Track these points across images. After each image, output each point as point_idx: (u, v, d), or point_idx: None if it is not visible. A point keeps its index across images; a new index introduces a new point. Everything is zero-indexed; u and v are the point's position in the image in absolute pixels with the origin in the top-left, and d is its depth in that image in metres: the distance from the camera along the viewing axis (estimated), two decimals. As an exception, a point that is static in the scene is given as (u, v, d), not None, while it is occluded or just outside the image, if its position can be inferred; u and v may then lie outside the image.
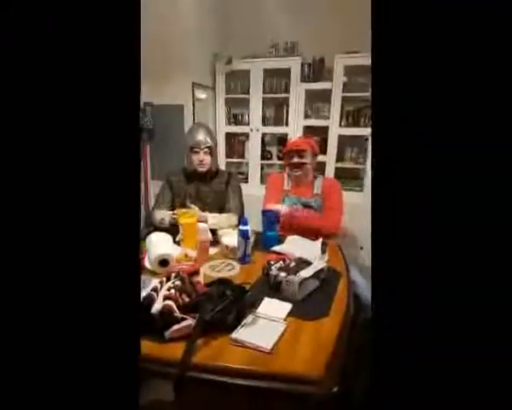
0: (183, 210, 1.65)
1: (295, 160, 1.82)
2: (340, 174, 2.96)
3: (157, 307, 0.83)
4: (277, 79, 3.08)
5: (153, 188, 2.91)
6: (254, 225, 1.46)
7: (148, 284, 1.02)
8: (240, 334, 0.84)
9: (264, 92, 3.08)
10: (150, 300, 0.86)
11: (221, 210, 1.85)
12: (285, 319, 0.93)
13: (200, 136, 1.78)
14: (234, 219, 1.76)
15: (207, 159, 1.80)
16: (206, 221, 1.65)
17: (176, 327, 0.82)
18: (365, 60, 2.54)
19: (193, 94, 2.81)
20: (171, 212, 1.74)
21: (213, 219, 1.70)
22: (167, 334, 0.82)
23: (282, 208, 1.72)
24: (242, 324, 0.88)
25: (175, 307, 0.84)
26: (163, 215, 1.76)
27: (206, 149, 1.78)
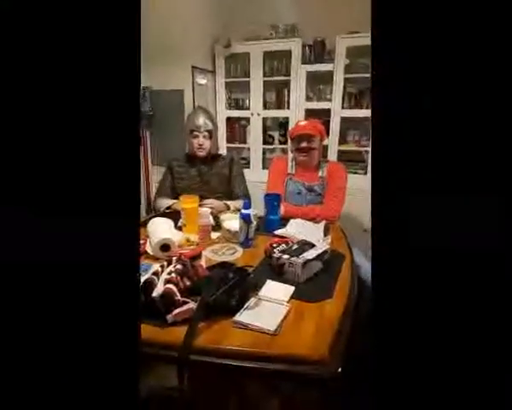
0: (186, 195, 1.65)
1: (304, 145, 1.77)
2: (344, 157, 2.92)
3: (158, 290, 0.83)
4: (278, 62, 3.02)
5: (154, 174, 2.89)
6: (257, 209, 1.45)
7: (150, 269, 1.01)
8: (243, 316, 0.83)
9: (264, 75, 3.02)
10: (151, 284, 0.85)
11: (225, 193, 1.87)
12: (288, 302, 0.92)
13: (200, 120, 1.78)
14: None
15: (207, 143, 1.80)
16: (228, 207, 1.73)
17: (177, 311, 0.81)
18: (367, 40, 2.46)
19: (192, 78, 2.77)
20: (175, 200, 1.76)
21: (236, 204, 1.76)
22: (169, 318, 0.81)
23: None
24: (245, 306, 0.87)
25: (176, 290, 0.83)
26: (168, 203, 1.78)
27: (206, 133, 1.79)
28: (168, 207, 1.76)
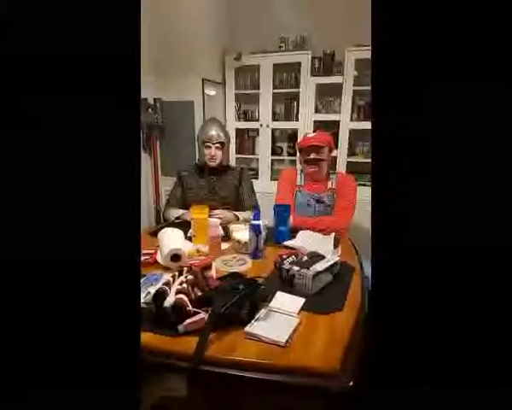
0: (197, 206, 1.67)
1: (312, 156, 1.77)
2: (352, 169, 2.92)
3: (169, 300, 0.83)
4: (287, 74, 3.05)
5: (164, 184, 2.93)
6: (265, 220, 1.45)
7: (161, 279, 1.02)
8: (253, 328, 0.84)
9: (274, 87, 3.05)
10: (163, 294, 0.86)
11: (234, 204, 1.89)
12: (298, 313, 0.92)
13: (213, 131, 1.81)
14: None
15: (219, 154, 1.82)
16: (238, 218, 1.76)
17: (188, 321, 0.81)
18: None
19: (203, 90, 2.81)
20: (185, 210, 1.78)
21: (245, 215, 1.81)
22: (180, 328, 0.81)
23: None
24: (256, 318, 0.87)
25: (187, 300, 0.84)
26: (178, 213, 1.81)
27: (218, 145, 1.81)
28: (178, 218, 1.78)
